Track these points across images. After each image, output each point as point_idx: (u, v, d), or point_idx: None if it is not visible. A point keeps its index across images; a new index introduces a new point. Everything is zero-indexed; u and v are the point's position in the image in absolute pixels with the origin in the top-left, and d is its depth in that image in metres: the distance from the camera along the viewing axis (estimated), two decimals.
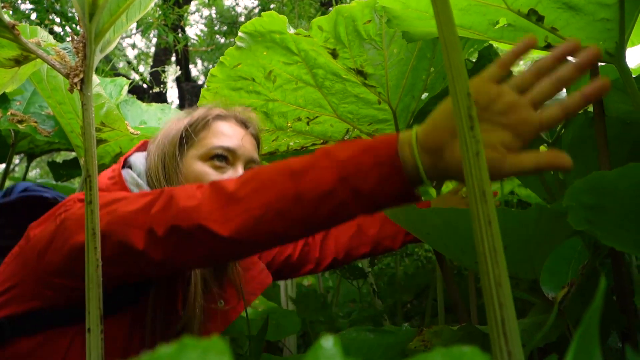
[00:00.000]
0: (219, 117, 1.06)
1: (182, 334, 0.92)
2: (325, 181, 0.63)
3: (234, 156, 1.02)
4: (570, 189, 0.81)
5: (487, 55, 1.30)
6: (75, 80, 0.77)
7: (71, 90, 0.77)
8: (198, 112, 1.07)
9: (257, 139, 1.12)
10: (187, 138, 1.02)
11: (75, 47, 0.76)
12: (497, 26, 0.98)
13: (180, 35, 3.03)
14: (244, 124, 1.09)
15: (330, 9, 1.72)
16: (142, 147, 1.09)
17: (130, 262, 0.75)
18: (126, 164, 1.04)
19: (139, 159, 1.04)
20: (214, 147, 1.01)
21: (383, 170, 0.61)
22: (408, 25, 1.04)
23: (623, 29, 0.91)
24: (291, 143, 1.51)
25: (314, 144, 1.50)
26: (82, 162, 1.53)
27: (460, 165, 0.55)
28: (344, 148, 0.65)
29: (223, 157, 1.01)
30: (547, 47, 0.99)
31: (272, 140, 1.45)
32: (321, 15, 3.09)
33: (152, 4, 0.90)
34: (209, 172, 0.99)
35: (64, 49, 0.83)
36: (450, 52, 0.47)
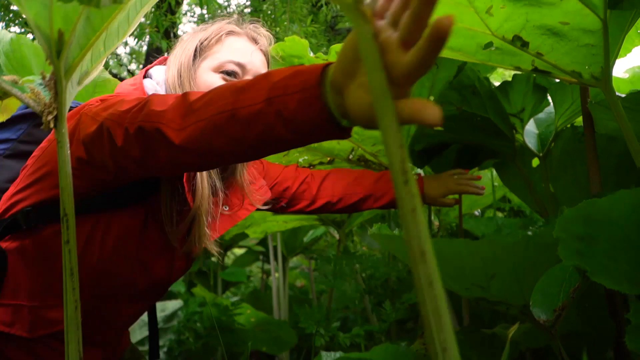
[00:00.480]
0: (232, 32, 1.11)
1: (193, 224, 1.00)
2: (256, 100, 0.63)
3: (244, 70, 1.07)
4: (561, 219, 0.80)
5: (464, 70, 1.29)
6: (49, 117, 0.75)
7: (46, 128, 0.76)
8: (212, 27, 1.11)
9: (266, 56, 1.15)
10: (201, 51, 1.08)
11: (47, 84, 0.75)
12: (485, 49, 0.96)
13: (172, 39, 2.99)
14: (254, 40, 1.13)
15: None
16: (163, 62, 1.15)
17: (119, 157, 0.81)
18: (147, 75, 1.11)
19: (159, 71, 1.11)
20: (226, 61, 1.06)
21: (304, 95, 0.60)
22: None
23: (608, 54, 0.90)
24: (300, 160, 1.55)
25: (321, 162, 1.53)
26: None
27: (357, 111, 0.54)
28: (281, 71, 0.64)
29: (233, 71, 1.06)
30: (535, 70, 0.98)
31: (283, 156, 1.49)
32: (311, 19, 3.07)
33: (131, 31, 0.89)
34: (219, 83, 1.04)
35: (40, 84, 0.81)
36: (379, 101, 0.44)
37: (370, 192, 1.38)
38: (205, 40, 1.09)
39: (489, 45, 0.95)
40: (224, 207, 1.11)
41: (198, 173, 0.99)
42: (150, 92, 1.04)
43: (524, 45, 0.92)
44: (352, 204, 1.38)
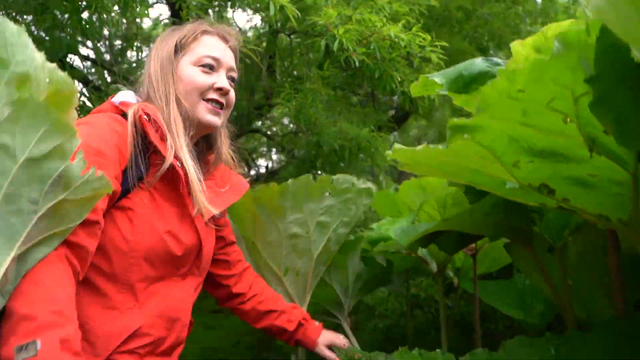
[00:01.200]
0: (206, 32, 1.25)
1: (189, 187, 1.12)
2: None
3: (218, 64, 1.22)
4: None
5: None
6: None
7: None
8: (188, 28, 1.25)
9: (234, 52, 1.29)
10: (180, 47, 1.21)
11: None
12: (509, 186, 0.95)
13: None
14: (225, 39, 1.26)
15: None
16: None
17: None
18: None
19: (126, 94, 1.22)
20: (204, 55, 1.20)
21: None
22: None
23: (637, 201, 0.89)
24: None
25: None
26: None
27: None
28: None
29: (209, 64, 1.20)
30: (561, 208, 0.97)
31: None
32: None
33: None
34: (198, 74, 1.19)
35: None
36: None
37: (287, 311, 1.43)
38: (184, 38, 1.22)
39: (513, 184, 0.94)
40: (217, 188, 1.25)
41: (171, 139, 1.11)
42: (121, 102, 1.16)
43: (551, 192, 0.91)
44: (264, 311, 1.41)
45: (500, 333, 2.57)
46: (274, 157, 6.81)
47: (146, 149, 1.10)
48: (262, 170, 6.46)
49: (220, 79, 1.21)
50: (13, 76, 0.69)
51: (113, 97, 1.19)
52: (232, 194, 1.27)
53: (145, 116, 1.09)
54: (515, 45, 1.01)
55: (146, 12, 2.27)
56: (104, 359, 0.99)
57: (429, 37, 2.95)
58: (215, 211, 1.16)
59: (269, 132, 5.41)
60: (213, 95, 1.19)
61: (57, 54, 2.07)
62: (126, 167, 1.06)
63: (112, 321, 1.02)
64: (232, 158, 1.33)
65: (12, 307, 0.76)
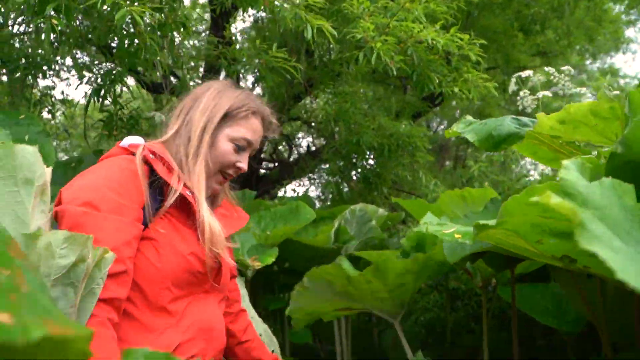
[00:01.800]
0: (255, 113, 1.30)
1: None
2: None
3: (249, 146, 1.30)
4: None
5: None
6: None
7: None
8: (240, 98, 1.30)
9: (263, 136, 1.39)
10: (228, 117, 1.27)
11: None
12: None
13: None
14: (264, 125, 1.34)
15: None
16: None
17: None
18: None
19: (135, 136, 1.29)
20: (243, 138, 1.27)
21: None
22: None
23: None
24: None
25: None
26: None
27: None
28: None
29: (242, 146, 1.28)
30: (585, 267, 1.04)
31: None
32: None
33: None
34: (231, 152, 1.26)
35: None
36: None
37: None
38: (235, 110, 1.27)
39: (539, 242, 1.02)
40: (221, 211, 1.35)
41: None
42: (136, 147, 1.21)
43: (572, 261, 0.98)
44: (254, 358, 1.44)
45: (538, 331, 2.65)
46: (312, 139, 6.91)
47: (158, 182, 1.17)
48: (302, 150, 6.57)
49: (244, 160, 1.30)
50: (37, 189, 0.85)
51: (122, 141, 1.27)
52: (237, 222, 1.36)
53: (150, 154, 1.17)
54: (541, 117, 1.07)
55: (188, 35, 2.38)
56: None
57: (466, 37, 2.95)
58: (226, 234, 1.24)
59: (308, 119, 5.50)
60: (230, 171, 1.29)
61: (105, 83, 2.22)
62: (144, 201, 1.13)
63: (153, 343, 1.08)
64: (231, 193, 1.42)
65: None
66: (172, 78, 3.66)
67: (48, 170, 0.91)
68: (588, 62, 11.69)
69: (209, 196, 1.31)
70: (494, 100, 6.50)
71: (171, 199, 1.15)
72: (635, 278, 0.40)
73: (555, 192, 0.50)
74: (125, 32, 1.87)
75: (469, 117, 1.49)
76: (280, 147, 6.84)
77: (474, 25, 4.82)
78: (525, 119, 1.21)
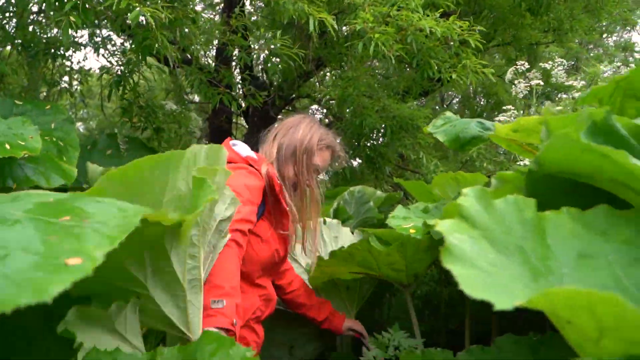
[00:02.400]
0: (328, 147, 1.74)
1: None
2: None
3: (320, 171, 1.75)
4: None
5: None
6: None
7: None
8: (320, 133, 1.73)
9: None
10: (316, 147, 1.71)
11: None
12: None
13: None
14: (334, 157, 1.78)
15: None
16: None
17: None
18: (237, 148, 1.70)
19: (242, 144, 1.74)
20: (320, 166, 1.72)
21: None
22: None
23: None
24: None
25: None
26: None
27: None
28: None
29: (317, 170, 1.72)
30: None
31: None
32: None
33: None
34: (313, 177, 1.70)
35: None
36: None
37: (316, 306, 1.92)
38: (320, 141, 1.71)
39: None
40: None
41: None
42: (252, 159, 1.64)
43: None
44: (299, 302, 1.89)
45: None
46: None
47: (270, 194, 1.61)
48: None
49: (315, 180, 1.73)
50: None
51: (229, 142, 1.68)
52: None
53: (278, 180, 1.60)
54: (498, 125, 1.23)
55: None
56: (243, 324, 1.50)
57: (466, 24, 3.05)
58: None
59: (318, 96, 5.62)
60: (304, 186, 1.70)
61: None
62: (258, 205, 1.56)
63: (245, 301, 1.49)
64: None
65: (210, 278, 1.19)
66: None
67: None
68: (604, 36, 11.53)
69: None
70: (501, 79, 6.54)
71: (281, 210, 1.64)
72: (499, 295, 0.56)
73: (456, 215, 0.66)
74: (139, 28, 2.02)
75: (449, 114, 1.64)
76: None
77: (482, 4, 4.87)
78: (488, 124, 1.36)
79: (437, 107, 9.86)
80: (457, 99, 10.36)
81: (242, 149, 1.67)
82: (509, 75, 2.59)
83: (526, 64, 2.63)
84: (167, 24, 2.07)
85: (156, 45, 1.90)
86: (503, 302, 0.49)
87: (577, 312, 0.51)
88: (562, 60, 2.56)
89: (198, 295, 0.99)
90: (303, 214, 1.74)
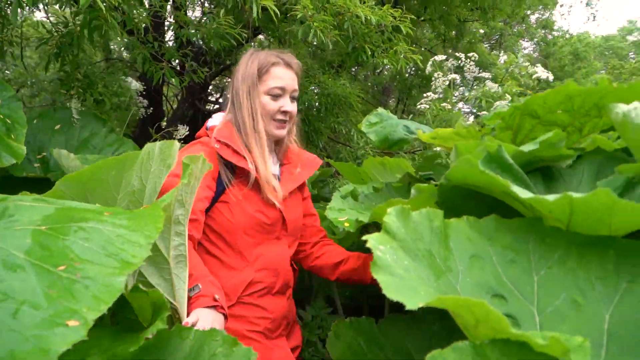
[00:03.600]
0: (273, 63, 1.59)
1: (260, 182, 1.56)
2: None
3: (284, 91, 1.59)
4: None
5: None
6: None
7: None
8: (262, 57, 1.59)
9: (297, 75, 1.65)
10: (258, 77, 1.58)
11: None
12: None
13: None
14: (289, 66, 1.62)
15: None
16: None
17: None
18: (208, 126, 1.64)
19: (217, 117, 1.66)
20: (272, 87, 1.57)
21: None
22: None
23: None
24: None
25: None
26: None
27: None
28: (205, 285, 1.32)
29: (277, 94, 1.57)
30: None
31: None
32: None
33: None
34: (270, 102, 1.57)
35: None
36: None
37: (352, 256, 1.70)
38: (260, 69, 1.57)
39: None
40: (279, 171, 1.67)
41: (252, 157, 1.54)
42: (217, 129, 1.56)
43: None
44: (333, 263, 1.69)
45: None
46: None
47: (224, 158, 1.51)
48: None
49: (285, 103, 1.59)
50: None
51: (208, 121, 1.63)
52: (304, 172, 1.68)
53: (216, 144, 1.50)
54: (419, 132, 1.44)
55: None
56: (235, 302, 1.47)
57: (398, 12, 3.25)
58: (284, 192, 1.58)
59: None
60: (280, 116, 1.58)
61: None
62: (219, 175, 1.51)
63: (233, 278, 1.48)
64: (296, 142, 1.73)
65: None
66: None
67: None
68: (528, 12, 12.20)
69: (275, 142, 1.65)
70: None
71: (245, 177, 1.53)
72: (409, 296, 0.76)
73: (382, 229, 0.86)
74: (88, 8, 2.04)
75: (380, 110, 1.84)
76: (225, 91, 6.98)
77: None
78: (413, 127, 1.58)
79: (368, 73, 10.15)
80: (389, 67, 10.68)
81: (211, 121, 1.62)
82: (429, 68, 2.82)
83: (445, 57, 2.85)
84: (117, 6, 2.10)
85: (104, 27, 1.94)
86: (411, 303, 0.69)
87: (461, 310, 0.73)
88: (474, 54, 2.79)
89: (184, 270, 1.08)
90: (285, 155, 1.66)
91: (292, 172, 1.67)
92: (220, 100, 6.41)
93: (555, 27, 13.47)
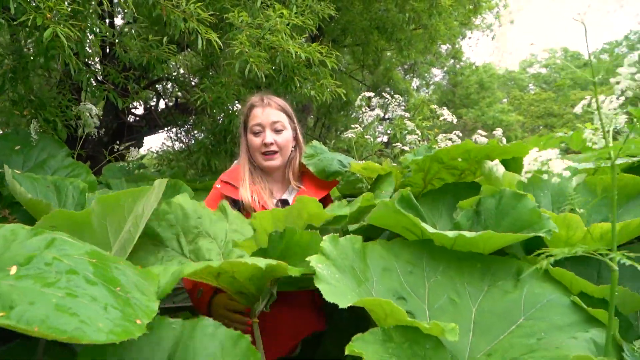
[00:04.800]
0: (252, 106, 1.97)
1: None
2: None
3: (262, 127, 1.93)
4: None
5: None
6: None
7: None
8: (246, 105, 1.98)
9: (274, 107, 1.96)
10: (244, 122, 1.98)
11: None
12: None
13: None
14: (263, 103, 1.95)
15: None
16: None
17: None
18: None
19: None
20: (252, 125, 1.94)
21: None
22: None
23: None
24: None
25: None
26: None
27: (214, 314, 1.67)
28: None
29: (257, 131, 1.92)
30: None
31: None
32: None
33: None
34: (253, 138, 1.93)
35: None
36: None
37: None
38: (244, 115, 1.97)
39: None
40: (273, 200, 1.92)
41: (244, 191, 1.86)
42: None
43: None
44: None
45: None
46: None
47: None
48: (171, 103, 6.86)
49: (267, 137, 1.91)
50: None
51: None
52: (315, 194, 1.88)
53: (218, 185, 1.89)
54: (352, 163, 1.79)
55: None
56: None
57: (325, 49, 3.62)
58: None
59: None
60: (264, 149, 1.91)
61: None
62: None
63: None
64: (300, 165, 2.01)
65: None
66: None
67: None
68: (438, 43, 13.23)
69: (266, 172, 1.96)
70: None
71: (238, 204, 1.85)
72: (340, 299, 1.08)
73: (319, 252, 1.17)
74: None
75: (315, 143, 2.16)
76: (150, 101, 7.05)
77: (339, 21, 5.52)
78: (345, 162, 1.92)
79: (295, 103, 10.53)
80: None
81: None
82: (358, 102, 3.20)
83: (372, 94, 3.24)
84: (74, 37, 2.27)
85: (61, 57, 2.10)
86: (342, 303, 1.01)
87: (375, 307, 1.06)
88: (398, 96, 3.21)
89: None
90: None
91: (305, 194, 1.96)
92: (143, 112, 6.47)
93: (464, 58, 14.64)
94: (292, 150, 1.99)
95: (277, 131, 1.93)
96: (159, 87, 6.13)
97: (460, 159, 1.64)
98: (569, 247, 0.91)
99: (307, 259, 1.12)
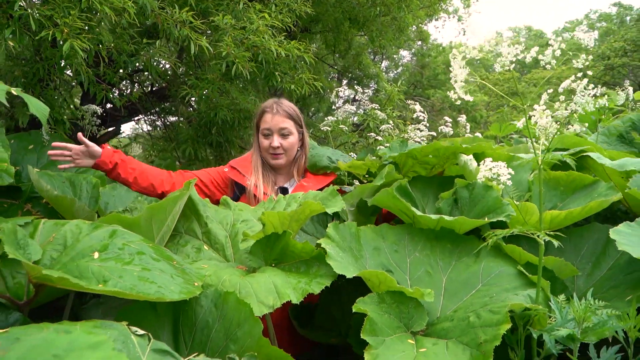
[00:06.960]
0: (263, 111, 2.32)
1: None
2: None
3: (271, 131, 2.29)
4: None
5: None
6: None
7: None
8: (259, 109, 2.34)
9: (283, 114, 2.30)
10: (257, 123, 2.33)
11: None
12: None
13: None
14: (272, 109, 2.28)
15: None
16: None
17: None
18: None
19: None
20: (262, 129, 2.30)
21: None
22: None
23: None
24: None
25: None
26: None
27: None
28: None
29: (267, 134, 2.28)
30: None
31: None
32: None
33: None
34: (263, 140, 2.29)
35: None
36: None
37: None
38: (257, 117, 2.33)
39: None
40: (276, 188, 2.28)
41: (250, 178, 2.24)
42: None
43: None
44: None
45: None
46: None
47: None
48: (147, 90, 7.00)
49: (274, 140, 2.25)
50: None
51: None
52: (312, 186, 2.19)
53: (226, 169, 2.24)
54: (340, 162, 2.10)
55: None
56: None
57: (304, 45, 3.89)
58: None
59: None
60: (272, 151, 2.25)
61: None
62: (233, 186, 2.24)
63: None
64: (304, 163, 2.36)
65: None
66: None
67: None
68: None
69: (274, 169, 2.29)
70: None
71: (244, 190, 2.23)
72: (346, 271, 1.40)
73: (326, 237, 1.49)
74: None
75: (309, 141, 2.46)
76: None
77: (311, 14, 5.76)
78: (334, 158, 2.24)
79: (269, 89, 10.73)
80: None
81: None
82: (333, 99, 3.50)
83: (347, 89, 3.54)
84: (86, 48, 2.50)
85: (74, 66, 2.32)
86: (348, 274, 1.34)
87: (371, 277, 1.39)
88: (368, 91, 3.51)
89: None
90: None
91: (304, 187, 2.24)
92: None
93: (431, 40, 15.02)
94: (298, 150, 2.33)
95: (284, 136, 2.26)
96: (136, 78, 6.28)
97: (431, 156, 1.98)
98: (518, 228, 1.25)
99: (318, 241, 1.45)
